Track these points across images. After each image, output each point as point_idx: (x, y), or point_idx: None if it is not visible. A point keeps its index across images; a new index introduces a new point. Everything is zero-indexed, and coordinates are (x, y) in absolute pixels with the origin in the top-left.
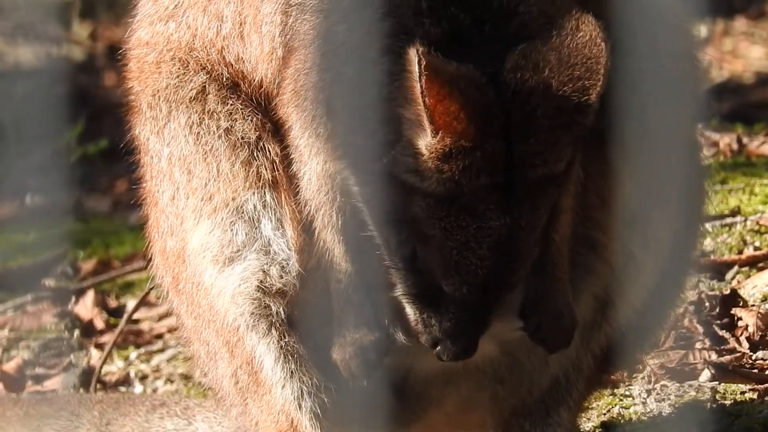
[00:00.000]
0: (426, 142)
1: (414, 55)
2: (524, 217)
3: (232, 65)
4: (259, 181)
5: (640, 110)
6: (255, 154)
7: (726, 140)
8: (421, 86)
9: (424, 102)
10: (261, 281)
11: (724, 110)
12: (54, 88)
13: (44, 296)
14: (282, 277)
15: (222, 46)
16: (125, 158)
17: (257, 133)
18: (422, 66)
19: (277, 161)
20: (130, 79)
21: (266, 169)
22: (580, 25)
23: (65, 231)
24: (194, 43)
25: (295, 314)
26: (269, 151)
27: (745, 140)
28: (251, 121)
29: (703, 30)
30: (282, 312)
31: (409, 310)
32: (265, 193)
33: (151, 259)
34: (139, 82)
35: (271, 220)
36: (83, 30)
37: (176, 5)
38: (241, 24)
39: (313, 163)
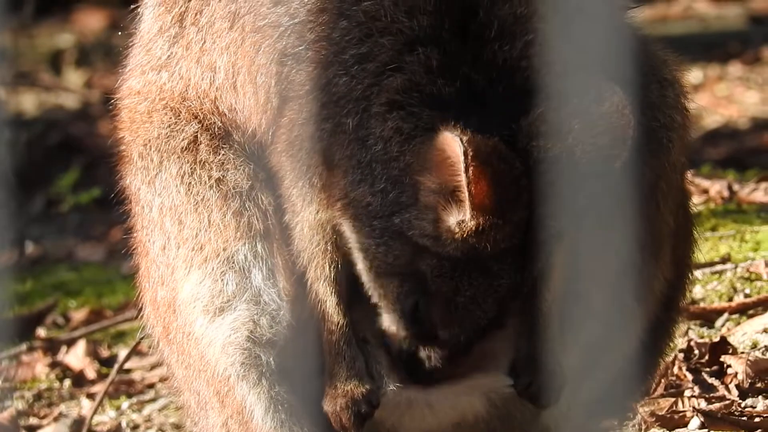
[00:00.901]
0: (458, 219)
1: (457, 143)
2: (534, 274)
3: (225, 115)
4: (251, 232)
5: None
6: (246, 205)
7: (717, 187)
8: (468, 177)
9: (469, 191)
10: (251, 331)
11: (719, 156)
12: (48, 137)
13: (36, 346)
14: (272, 327)
15: (215, 97)
16: (118, 207)
17: (249, 182)
18: (469, 157)
19: (270, 211)
20: (121, 129)
21: (258, 219)
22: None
23: (57, 280)
24: (187, 93)
25: (287, 364)
26: (261, 201)
27: (736, 187)
28: (243, 171)
29: (698, 75)
30: (272, 362)
31: (400, 345)
32: (256, 244)
33: (142, 308)
34: (130, 131)
35: (262, 271)
36: (79, 78)
37: (169, 56)
38: (234, 75)
39: (306, 213)
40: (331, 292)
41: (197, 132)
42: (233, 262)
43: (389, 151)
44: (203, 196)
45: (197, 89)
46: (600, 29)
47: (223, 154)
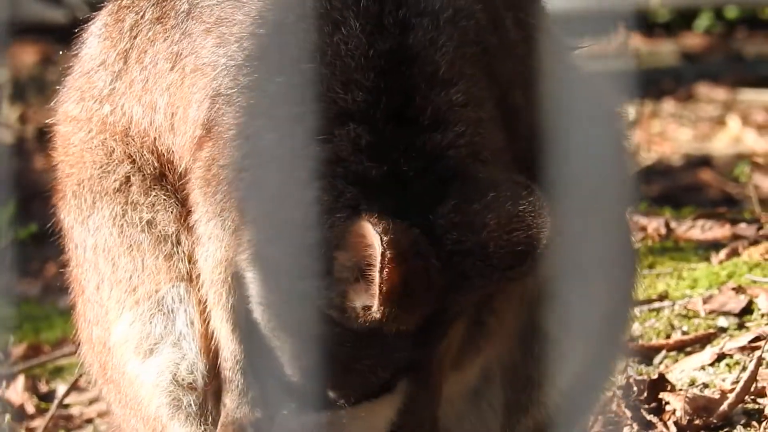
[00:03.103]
0: (364, 304)
1: (377, 240)
2: (435, 348)
3: (163, 156)
4: (179, 275)
5: (567, 190)
6: (175, 248)
7: (654, 224)
8: (382, 276)
9: (380, 287)
10: (174, 374)
11: (653, 193)
12: None
13: None
14: (192, 373)
15: (154, 137)
16: (54, 241)
17: (176, 225)
18: (386, 258)
19: (193, 254)
20: (56, 157)
21: (183, 263)
22: (521, 190)
23: None
24: (130, 130)
25: (208, 405)
26: (185, 245)
27: (673, 224)
28: (171, 212)
29: (631, 112)
30: (193, 404)
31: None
32: (181, 287)
33: (79, 345)
34: (65, 165)
35: (185, 314)
36: (13, 113)
37: (111, 90)
38: (172, 116)
39: (212, 247)
40: (227, 319)
41: (129, 173)
42: (162, 305)
43: (307, 219)
44: (135, 240)
45: (138, 127)
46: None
47: (155, 195)
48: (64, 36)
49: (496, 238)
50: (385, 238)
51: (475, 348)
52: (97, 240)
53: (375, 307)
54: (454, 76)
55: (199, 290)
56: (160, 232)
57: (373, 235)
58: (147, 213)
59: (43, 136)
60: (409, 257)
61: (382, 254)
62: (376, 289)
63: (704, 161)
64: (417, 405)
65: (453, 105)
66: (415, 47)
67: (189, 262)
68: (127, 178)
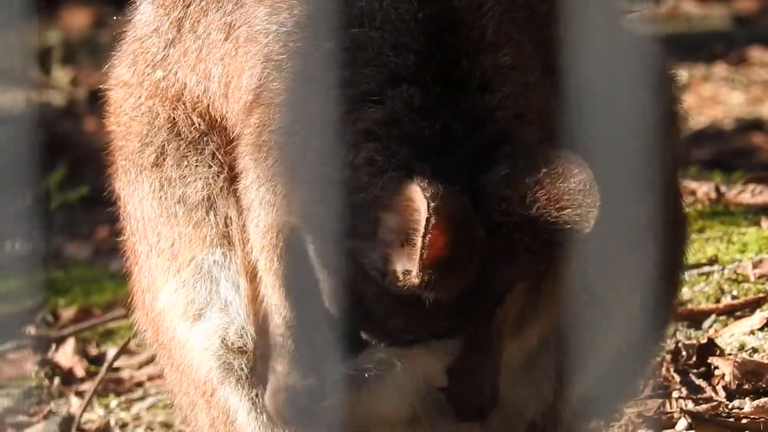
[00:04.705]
0: (405, 268)
1: (424, 204)
2: (476, 318)
3: (217, 121)
4: (212, 241)
5: (615, 155)
6: (208, 215)
7: (704, 189)
8: (424, 241)
9: (421, 252)
10: (223, 338)
11: (704, 157)
12: (35, 135)
13: (25, 344)
14: (241, 337)
15: (208, 104)
16: (106, 205)
17: (208, 191)
18: (431, 224)
19: (232, 218)
20: (109, 125)
21: (217, 228)
22: (573, 167)
23: (45, 278)
24: (183, 96)
25: (258, 368)
26: (221, 209)
27: (723, 189)
28: (204, 179)
29: (683, 75)
30: (245, 367)
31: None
32: (217, 253)
33: (133, 311)
34: (117, 136)
35: (227, 280)
36: (64, 75)
37: (164, 56)
38: (227, 85)
39: (263, 212)
40: (280, 285)
41: (165, 141)
42: (201, 271)
43: (358, 179)
44: (172, 210)
45: (192, 94)
46: (605, 36)
47: (186, 166)
48: None
49: (546, 214)
50: (432, 204)
51: (534, 315)
52: (144, 211)
53: (414, 272)
54: (501, 40)
55: (247, 255)
56: (192, 202)
57: (420, 200)
58: (180, 187)
59: (95, 99)
60: (456, 226)
61: (428, 220)
62: (417, 255)
63: (756, 125)
64: (477, 372)
65: (500, 67)
66: (461, 11)
67: (227, 225)
68: (162, 149)
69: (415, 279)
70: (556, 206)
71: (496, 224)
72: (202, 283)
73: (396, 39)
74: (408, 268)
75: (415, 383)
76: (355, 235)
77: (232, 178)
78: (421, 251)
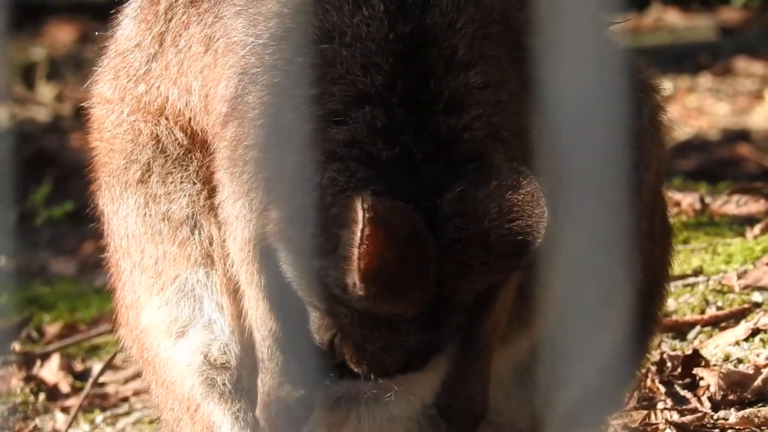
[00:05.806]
0: (352, 281)
1: (359, 212)
2: (447, 331)
3: (198, 134)
4: (196, 260)
5: (594, 174)
6: (192, 234)
7: (689, 200)
8: (359, 251)
9: (358, 265)
10: (206, 355)
11: (689, 167)
12: (20, 150)
13: (10, 360)
14: (225, 354)
15: (189, 118)
16: (91, 221)
17: (192, 209)
18: (364, 233)
19: (214, 236)
20: (92, 142)
21: (201, 247)
22: (521, 179)
23: (30, 294)
24: (165, 110)
25: (241, 385)
26: (205, 227)
27: (708, 200)
28: (188, 197)
29: (668, 86)
30: (228, 383)
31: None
32: (200, 272)
33: (118, 327)
34: (100, 152)
35: (210, 298)
36: (49, 91)
37: (147, 70)
38: (206, 96)
39: (240, 226)
40: (262, 298)
41: (150, 158)
42: (185, 289)
43: (323, 199)
44: (157, 228)
45: (174, 108)
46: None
47: (171, 183)
48: (101, 14)
49: (497, 227)
50: (367, 216)
51: (523, 323)
52: (128, 228)
53: (357, 284)
54: (474, 57)
55: (227, 271)
56: (177, 220)
57: (358, 210)
58: (165, 203)
59: (80, 115)
60: (399, 240)
61: (362, 230)
62: (355, 264)
63: (742, 135)
64: (467, 382)
65: (470, 87)
66: (434, 29)
67: (210, 244)
68: (148, 166)
69: (359, 291)
70: (507, 218)
71: (450, 240)
72: (186, 302)
73: (366, 58)
74: (353, 280)
75: (407, 399)
76: (319, 255)
77: (211, 192)
78: (357, 262)
